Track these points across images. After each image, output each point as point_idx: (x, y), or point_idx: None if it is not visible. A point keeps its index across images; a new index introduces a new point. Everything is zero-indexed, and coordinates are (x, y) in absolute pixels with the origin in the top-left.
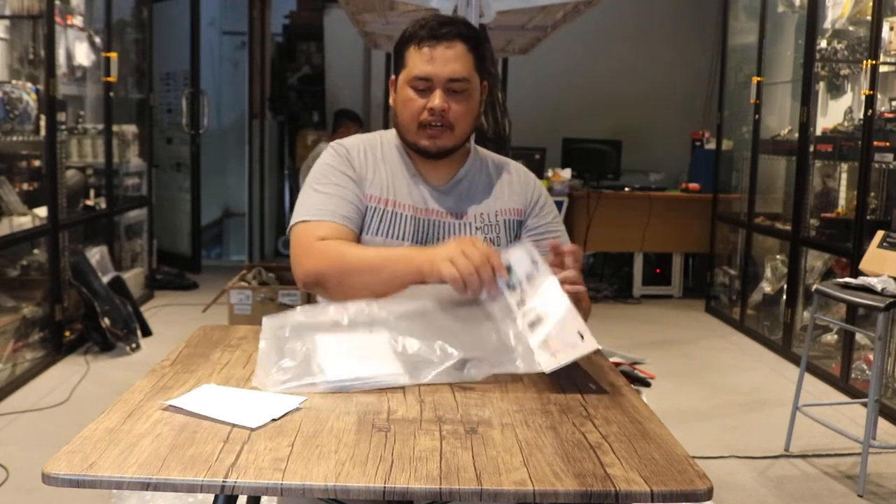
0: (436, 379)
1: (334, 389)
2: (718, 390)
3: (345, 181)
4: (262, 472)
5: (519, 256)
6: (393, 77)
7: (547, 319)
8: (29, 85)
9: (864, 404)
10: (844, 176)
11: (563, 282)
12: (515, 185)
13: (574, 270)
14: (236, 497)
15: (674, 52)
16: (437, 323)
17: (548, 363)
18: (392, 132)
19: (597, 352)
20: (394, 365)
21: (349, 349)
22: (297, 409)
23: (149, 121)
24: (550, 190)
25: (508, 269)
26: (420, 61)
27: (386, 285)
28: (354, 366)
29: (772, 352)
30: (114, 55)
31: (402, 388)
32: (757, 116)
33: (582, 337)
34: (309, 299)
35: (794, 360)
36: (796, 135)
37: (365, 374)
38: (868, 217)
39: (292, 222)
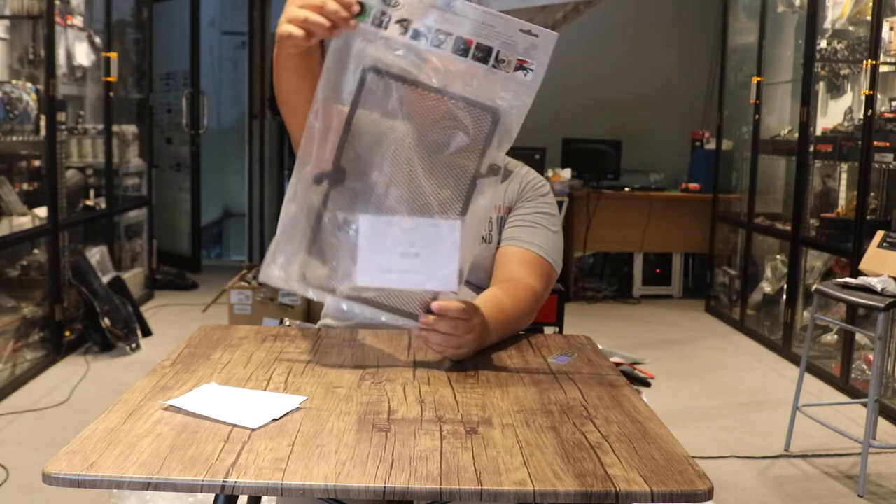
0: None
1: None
2: (718, 390)
3: None
4: (262, 472)
5: None
6: None
7: (476, 30)
8: (29, 85)
9: (864, 404)
10: (844, 176)
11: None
12: (513, 184)
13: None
14: (236, 497)
15: (674, 52)
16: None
17: (532, 78)
18: None
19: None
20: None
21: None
22: (298, 409)
23: (149, 121)
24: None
25: (361, 5)
26: None
27: (287, 83)
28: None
29: (772, 352)
30: (114, 55)
31: (403, 388)
32: (757, 116)
33: (531, 32)
34: (309, 300)
35: (794, 360)
36: (796, 135)
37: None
38: (868, 217)
39: None
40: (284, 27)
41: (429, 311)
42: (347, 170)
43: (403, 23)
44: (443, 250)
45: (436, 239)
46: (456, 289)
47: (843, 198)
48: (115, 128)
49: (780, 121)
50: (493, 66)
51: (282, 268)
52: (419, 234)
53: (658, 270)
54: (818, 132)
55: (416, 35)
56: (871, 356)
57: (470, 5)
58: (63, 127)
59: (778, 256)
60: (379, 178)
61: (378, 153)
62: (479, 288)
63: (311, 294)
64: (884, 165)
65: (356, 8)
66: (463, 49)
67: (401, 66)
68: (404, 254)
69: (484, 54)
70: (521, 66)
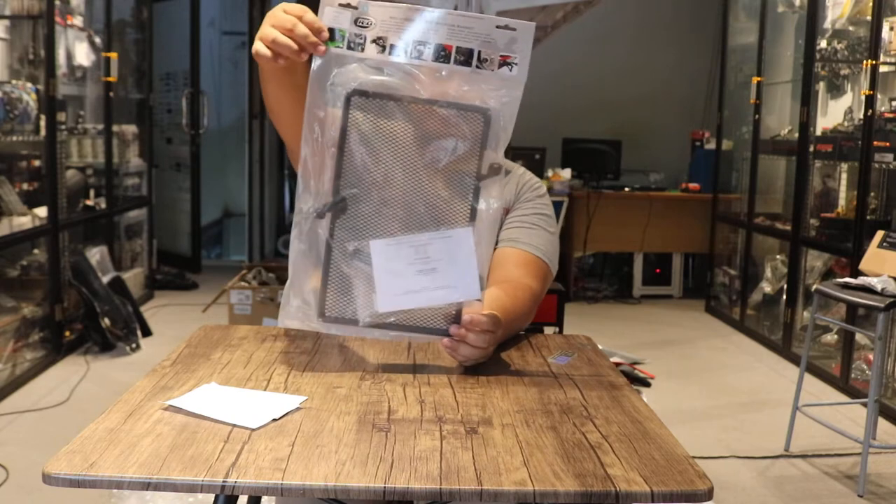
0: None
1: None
2: (718, 390)
3: None
4: (262, 472)
5: (330, 15)
6: None
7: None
8: (29, 85)
9: (864, 404)
10: (844, 176)
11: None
12: (510, 185)
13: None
14: (236, 497)
15: (674, 52)
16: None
17: (517, 72)
18: None
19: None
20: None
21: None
22: (298, 409)
23: (149, 121)
24: (550, 190)
25: (333, 31)
26: None
27: (272, 95)
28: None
29: (772, 352)
30: (114, 55)
31: (403, 388)
32: (757, 116)
33: (507, 26)
34: None
35: (794, 360)
36: (796, 135)
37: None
38: (868, 217)
39: None
40: (255, 45)
41: (454, 321)
42: (348, 197)
43: (380, 41)
44: (459, 260)
45: (450, 250)
46: (480, 296)
47: (843, 198)
48: (115, 128)
49: (780, 121)
50: (477, 67)
51: (299, 309)
52: (433, 248)
53: (658, 270)
54: (818, 132)
55: (395, 51)
56: (871, 356)
57: (443, 11)
58: (63, 127)
59: (778, 256)
60: (382, 199)
61: (377, 174)
62: None
63: (334, 330)
64: (884, 165)
65: (325, 35)
66: (443, 56)
67: (385, 84)
68: (422, 271)
69: (465, 57)
70: (504, 62)
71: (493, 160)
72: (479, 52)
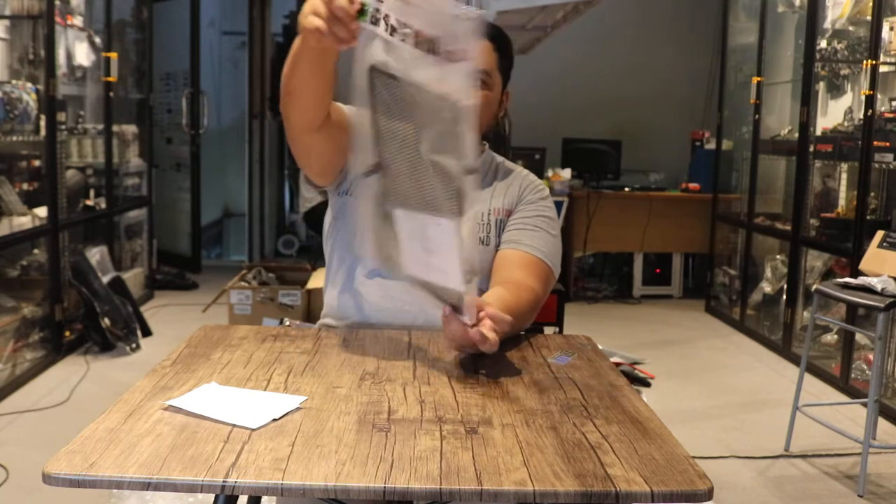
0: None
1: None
2: (718, 390)
3: None
4: (262, 472)
5: None
6: None
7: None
8: (29, 85)
9: (864, 404)
10: (844, 176)
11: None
12: (513, 187)
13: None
14: (236, 497)
15: (674, 52)
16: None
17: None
18: None
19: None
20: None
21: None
22: (298, 409)
23: (149, 121)
24: (550, 190)
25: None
26: None
27: (300, 75)
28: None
29: (772, 352)
30: (114, 55)
31: (403, 388)
32: (757, 116)
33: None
34: (309, 300)
35: (794, 360)
36: (796, 135)
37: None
38: (868, 217)
39: None
40: (306, 19)
41: (455, 310)
42: (381, 163)
43: (387, 19)
44: (445, 249)
45: (441, 237)
46: (464, 289)
47: (843, 198)
48: (115, 128)
49: (780, 121)
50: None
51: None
52: (430, 230)
53: (658, 270)
54: (818, 132)
55: (398, 30)
56: (871, 356)
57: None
58: (63, 127)
59: (778, 256)
60: (399, 172)
61: (394, 148)
62: (478, 290)
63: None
64: (884, 165)
65: (357, 6)
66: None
67: (390, 64)
68: (427, 249)
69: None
70: (462, 57)
71: (468, 162)
72: (444, 43)
